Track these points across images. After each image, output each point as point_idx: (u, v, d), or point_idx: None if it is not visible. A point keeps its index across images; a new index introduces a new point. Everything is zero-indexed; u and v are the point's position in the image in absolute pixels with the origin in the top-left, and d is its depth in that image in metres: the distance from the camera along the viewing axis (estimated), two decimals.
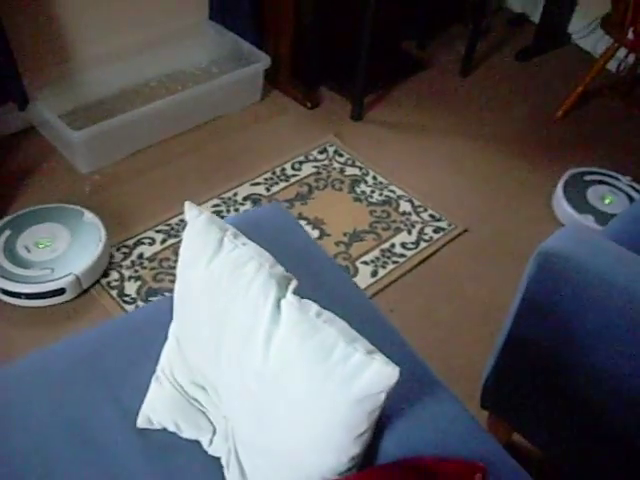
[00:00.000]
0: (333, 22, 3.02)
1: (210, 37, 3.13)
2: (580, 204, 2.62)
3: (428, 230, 2.57)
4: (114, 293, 2.25)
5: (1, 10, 2.42)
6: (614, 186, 2.71)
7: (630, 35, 2.85)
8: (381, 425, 1.18)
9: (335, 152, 2.86)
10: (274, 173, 2.73)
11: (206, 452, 1.38)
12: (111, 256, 2.36)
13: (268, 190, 2.66)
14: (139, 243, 2.43)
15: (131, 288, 2.27)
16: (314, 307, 1.20)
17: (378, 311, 1.43)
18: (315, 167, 2.78)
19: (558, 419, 1.64)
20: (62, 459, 1.33)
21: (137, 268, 2.34)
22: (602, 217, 2.55)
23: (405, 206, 2.66)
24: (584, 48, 3.65)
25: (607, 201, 2.63)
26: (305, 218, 2.54)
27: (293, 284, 1.25)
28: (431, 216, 2.63)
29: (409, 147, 2.92)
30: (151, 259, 2.37)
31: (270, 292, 1.22)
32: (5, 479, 1.31)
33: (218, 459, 1.37)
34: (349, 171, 2.78)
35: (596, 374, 1.48)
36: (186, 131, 2.89)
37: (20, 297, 2.14)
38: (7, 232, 2.29)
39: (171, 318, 1.52)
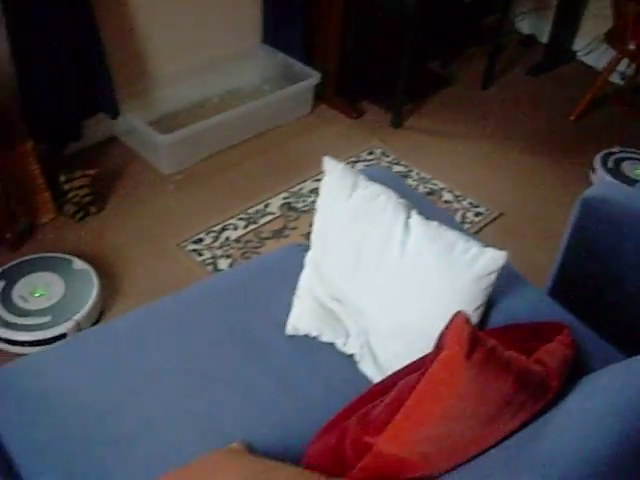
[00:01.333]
0: (372, 43, 3.58)
1: (262, 59, 3.68)
2: (618, 176, 3.19)
3: (469, 215, 3.09)
4: (210, 269, 2.73)
5: (101, 28, 2.94)
6: None
7: (631, 46, 3.44)
8: (489, 301, 1.67)
9: (382, 153, 3.40)
10: None
11: (340, 351, 1.85)
12: (201, 240, 2.85)
13: None
14: (224, 229, 2.92)
15: (224, 264, 2.76)
16: (434, 222, 1.71)
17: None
18: (366, 166, 3.30)
19: None
20: (231, 356, 1.80)
21: (226, 248, 2.83)
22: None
23: (447, 196, 3.18)
24: (587, 63, 4.24)
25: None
26: None
27: (415, 209, 1.76)
28: (470, 203, 3.15)
29: (444, 148, 3.46)
30: (237, 240, 2.87)
31: (400, 213, 1.73)
32: (190, 371, 1.77)
33: (351, 355, 1.85)
34: (395, 169, 3.31)
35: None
36: (250, 138, 3.41)
37: (23, 345, 2.33)
38: (1, 283, 2.49)
39: (293, 259, 2.02)
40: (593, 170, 3.30)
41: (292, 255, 2.09)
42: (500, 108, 3.80)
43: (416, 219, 1.72)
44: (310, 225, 2.90)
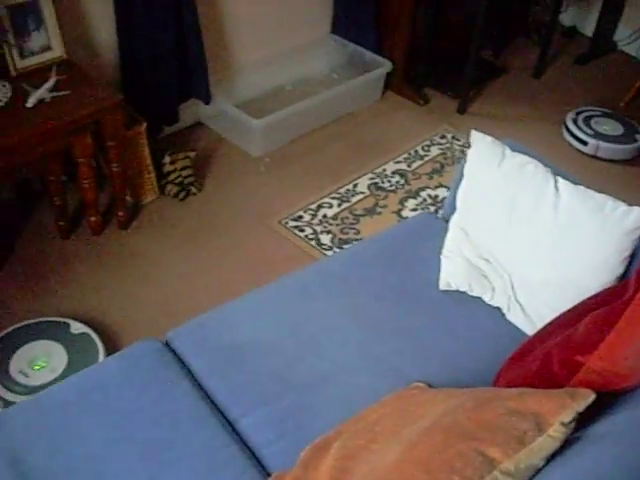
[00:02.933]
0: (439, 32, 3.88)
1: (332, 48, 3.96)
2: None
3: None
4: (313, 243, 3.00)
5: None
6: None
7: None
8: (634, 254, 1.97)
9: (453, 137, 3.69)
10: (409, 154, 3.54)
11: (488, 304, 2.14)
12: (300, 217, 3.12)
13: (409, 166, 3.47)
14: (320, 207, 3.19)
15: (326, 239, 3.03)
16: (580, 186, 2.01)
17: None
18: (440, 149, 3.60)
19: None
20: (396, 309, 2.08)
21: (325, 225, 3.10)
22: None
23: None
24: (629, 53, 4.58)
25: None
26: (445, 186, 3.34)
27: (560, 176, 2.05)
28: None
29: (509, 130, 3.76)
30: (334, 218, 3.14)
31: (549, 179, 2.03)
32: (362, 322, 2.04)
33: (498, 308, 2.13)
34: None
35: None
36: (327, 124, 3.69)
37: None
38: None
39: (428, 226, 2.31)
40: None
41: (427, 222, 2.39)
42: (554, 95, 4.11)
43: (564, 183, 2.02)
44: (399, 203, 3.21)
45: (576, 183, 2.05)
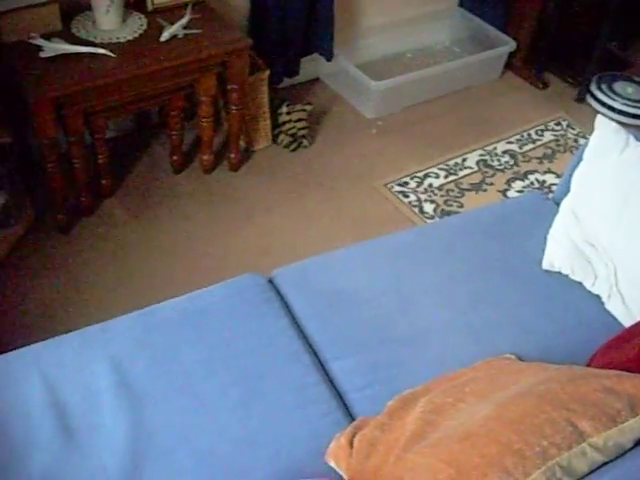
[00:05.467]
0: (568, 18, 3.79)
1: (457, 21, 3.92)
2: None
3: None
4: (416, 210, 3.01)
5: None
6: None
7: None
8: None
9: (568, 125, 3.62)
10: (522, 136, 3.49)
11: (588, 290, 2.11)
12: (406, 183, 3.13)
13: (521, 148, 3.42)
14: (426, 176, 3.19)
15: (429, 208, 3.03)
16: None
17: None
18: (554, 135, 3.53)
19: None
20: (495, 281, 2.08)
21: (430, 194, 3.11)
22: None
23: None
24: None
25: None
26: (554, 172, 3.29)
27: None
28: None
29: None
30: (439, 188, 3.14)
31: None
32: (461, 289, 2.04)
33: (597, 296, 2.10)
34: (582, 142, 3.53)
35: None
36: (443, 95, 3.67)
37: None
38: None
39: (539, 205, 2.28)
40: None
41: (537, 201, 2.36)
42: None
43: None
44: (506, 182, 3.18)
45: None
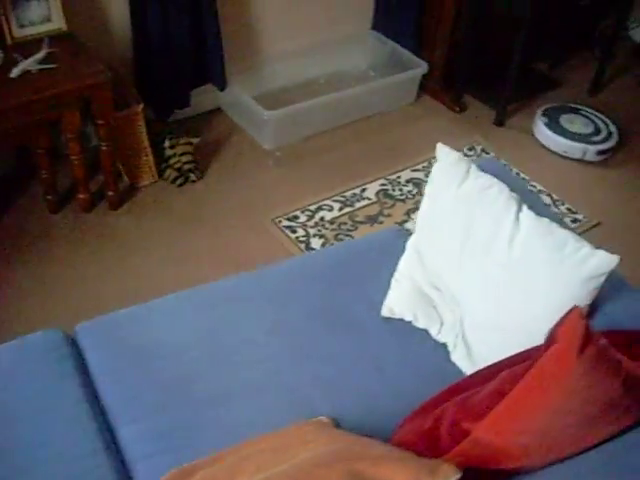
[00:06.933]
0: (482, 38, 3.54)
1: (370, 44, 3.69)
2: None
3: (566, 220, 3.02)
4: (302, 246, 2.76)
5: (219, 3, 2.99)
6: None
7: None
8: (592, 304, 1.64)
9: (482, 150, 3.36)
10: (430, 162, 3.23)
11: (434, 339, 1.85)
12: (296, 217, 2.88)
13: (427, 176, 3.15)
14: (319, 209, 2.95)
15: (316, 243, 2.78)
16: (545, 218, 1.69)
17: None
18: None
19: None
20: (325, 332, 1.83)
21: (319, 228, 2.85)
22: None
23: (545, 199, 3.12)
24: None
25: None
26: None
27: (526, 204, 1.74)
28: (568, 209, 3.09)
29: (545, 151, 3.40)
30: (331, 222, 2.89)
31: (511, 207, 1.72)
32: (284, 342, 1.80)
33: (444, 345, 1.84)
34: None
35: None
36: (350, 123, 3.43)
37: None
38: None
39: (393, 243, 2.02)
40: None
41: (393, 238, 2.11)
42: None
43: (527, 214, 1.70)
44: (405, 214, 2.94)
45: (545, 215, 1.73)
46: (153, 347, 1.77)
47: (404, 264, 1.94)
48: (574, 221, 3.03)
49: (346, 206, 2.98)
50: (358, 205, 2.99)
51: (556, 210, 3.07)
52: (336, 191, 3.04)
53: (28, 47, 2.59)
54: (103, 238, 2.77)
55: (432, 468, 1.12)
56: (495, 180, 1.79)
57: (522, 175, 3.23)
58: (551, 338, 1.20)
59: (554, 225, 1.67)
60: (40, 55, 2.53)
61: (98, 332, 1.81)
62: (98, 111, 2.60)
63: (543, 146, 3.44)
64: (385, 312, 1.87)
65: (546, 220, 1.69)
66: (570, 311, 1.20)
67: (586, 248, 1.59)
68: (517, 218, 1.70)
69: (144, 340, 1.78)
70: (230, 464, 1.41)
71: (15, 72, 2.47)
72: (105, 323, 1.83)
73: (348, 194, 3.04)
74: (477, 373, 1.52)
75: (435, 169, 1.88)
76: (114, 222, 2.83)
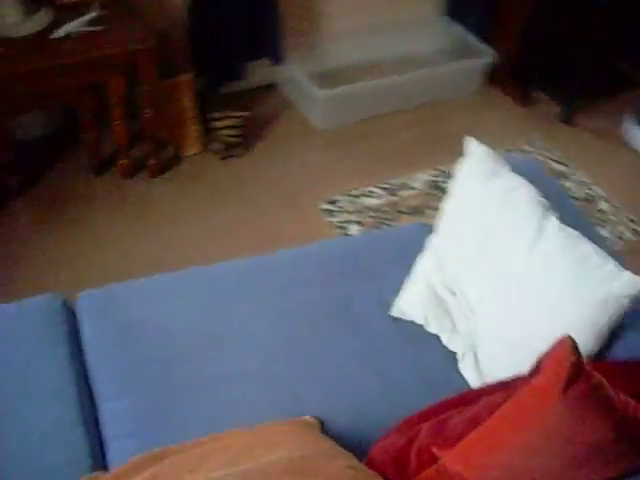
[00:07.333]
0: (558, 30, 3.31)
1: (440, 30, 3.51)
2: None
3: (624, 230, 2.80)
4: (339, 232, 2.64)
5: None
6: None
7: None
8: (614, 330, 1.47)
9: (543, 148, 3.16)
10: None
11: (444, 345, 1.71)
12: (336, 201, 2.76)
13: None
14: (363, 195, 2.82)
15: (354, 230, 2.67)
16: (571, 229, 1.52)
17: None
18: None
19: None
20: (327, 325, 1.72)
21: (359, 215, 2.73)
22: None
23: (603, 205, 2.91)
24: None
25: None
26: None
27: (555, 213, 1.57)
28: (628, 218, 2.86)
29: (613, 154, 3.17)
30: (373, 209, 2.76)
31: (535, 212, 1.56)
32: (281, 332, 1.69)
33: (454, 353, 1.70)
34: (555, 167, 3.07)
35: None
36: (409, 108, 3.28)
37: None
38: None
39: (416, 239, 1.89)
40: None
41: (417, 234, 1.96)
42: None
43: (552, 222, 1.55)
44: None
45: (575, 225, 1.57)
46: (148, 324, 1.71)
47: (421, 264, 1.81)
48: (634, 232, 2.81)
49: (391, 194, 2.85)
50: (404, 194, 2.85)
51: (613, 218, 2.85)
52: (383, 178, 2.91)
53: (79, 8, 2.55)
54: (139, 205, 2.74)
55: None
56: (524, 181, 1.63)
57: (583, 178, 3.02)
58: (536, 368, 1.06)
59: (579, 237, 1.51)
60: (88, 17, 2.49)
61: (99, 302, 1.76)
62: (143, 77, 2.54)
63: (612, 147, 3.20)
64: (395, 312, 1.75)
65: (571, 231, 1.53)
66: (560, 341, 1.05)
67: (610, 266, 1.43)
68: (541, 225, 1.54)
69: (142, 316, 1.72)
70: (196, 456, 1.35)
71: (59, 33, 2.44)
72: (107, 294, 1.78)
73: (395, 182, 2.90)
74: (468, 393, 1.38)
75: (465, 163, 1.74)
76: (152, 190, 2.79)
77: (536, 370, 1.06)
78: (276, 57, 3.05)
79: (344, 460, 1.19)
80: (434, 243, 1.81)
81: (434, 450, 1.14)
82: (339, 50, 3.35)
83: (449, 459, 1.11)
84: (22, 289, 2.32)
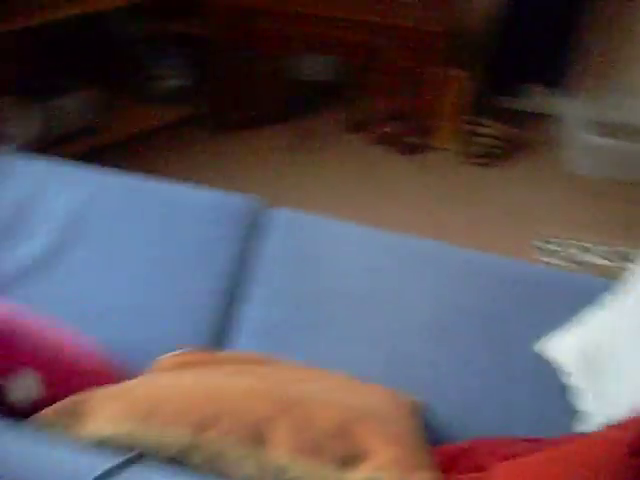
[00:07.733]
0: None
1: None
2: None
3: None
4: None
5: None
6: None
7: None
8: None
9: None
10: None
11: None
12: (553, 243, 2.68)
13: None
14: (586, 251, 2.72)
15: None
16: None
17: None
18: None
19: None
20: (473, 339, 1.70)
21: (564, 262, 2.64)
22: None
23: None
24: None
25: None
26: None
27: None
28: None
29: None
30: (579, 263, 2.66)
31: None
32: (434, 333, 1.71)
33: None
34: None
35: None
36: None
37: None
38: None
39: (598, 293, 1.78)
40: None
41: (602, 289, 1.86)
42: None
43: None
44: None
45: None
46: (323, 261, 1.81)
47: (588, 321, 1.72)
48: None
49: (616, 260, 2.71)
50: (621, 265, 2.71)
51: None
52: (616, 242, 2.77)
53: None
54: (375, 173, 2.87)
55: (420, 464, 1.04)
56: None
57: None
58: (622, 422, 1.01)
59: None
60: None
61: (292, 223, 1.89)
62: (418, 58, 2.64)
63: None
64: (540, 349, 1.70)
65: None
66: None
67: None
68: None
69: (320, 252, 1.83)
70: (301, 373, 1.41)
71: None
72: (304, 220, 1.90)
73: (620, 249, 2.76)
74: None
75: None
76: (395, 166, 2.91)
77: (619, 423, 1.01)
78: (557, 85, 3.01)
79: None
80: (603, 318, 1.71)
81: (485, 458, 1.14)
82: (632, 106, 3.20)
83: (499, 468, 1.10)
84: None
